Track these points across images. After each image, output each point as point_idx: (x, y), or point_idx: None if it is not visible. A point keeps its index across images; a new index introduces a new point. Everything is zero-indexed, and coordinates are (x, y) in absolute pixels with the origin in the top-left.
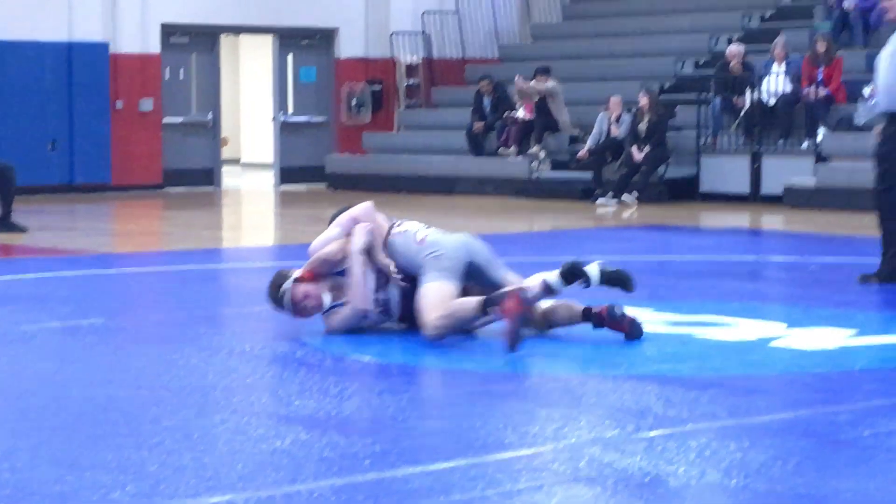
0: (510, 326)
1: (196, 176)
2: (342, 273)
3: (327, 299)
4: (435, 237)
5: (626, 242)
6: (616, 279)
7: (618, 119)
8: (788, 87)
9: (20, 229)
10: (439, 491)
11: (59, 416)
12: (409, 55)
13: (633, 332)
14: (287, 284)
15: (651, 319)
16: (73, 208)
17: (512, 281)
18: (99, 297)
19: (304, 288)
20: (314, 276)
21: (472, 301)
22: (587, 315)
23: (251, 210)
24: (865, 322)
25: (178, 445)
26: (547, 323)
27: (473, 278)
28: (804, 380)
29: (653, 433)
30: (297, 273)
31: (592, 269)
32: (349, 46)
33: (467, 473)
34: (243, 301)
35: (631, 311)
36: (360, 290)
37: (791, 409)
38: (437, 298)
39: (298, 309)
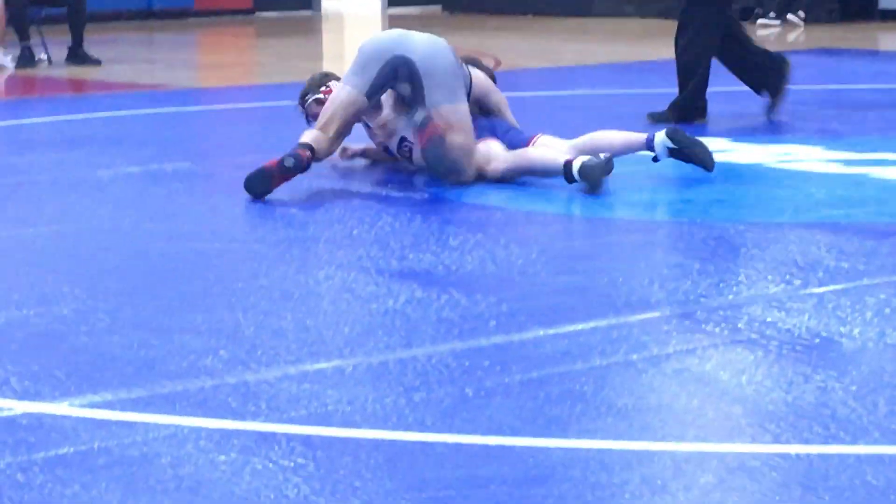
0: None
1: None
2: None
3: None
4: None
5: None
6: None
7: None
8: None
9: (93, 62)
10: (575, 355)
11: (142, 273)
12: None
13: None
14: (311, 97)
15: (821, 158)
16: (151, 37)
17: (437, 118)
18: (183, 139)
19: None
20: None
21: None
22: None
23: (355, 37)
24: None
25: (277, 306)
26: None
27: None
28: None
29: (823, 289)
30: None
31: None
32: None
33: (608, 335)
34: (349, 140)
35: (800, 149)
36: None
37: None
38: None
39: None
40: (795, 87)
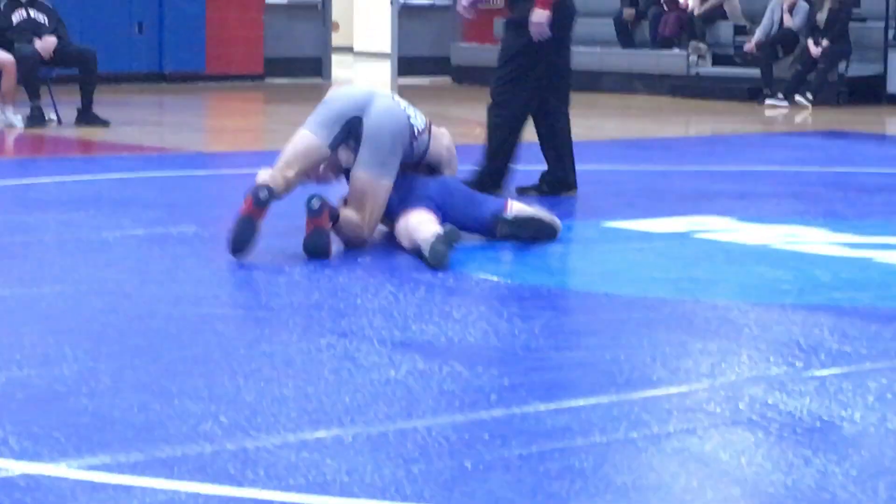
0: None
1: (302, 66)
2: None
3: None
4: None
5: (798, 151)
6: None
7: (792, 7)
8: None
9: (102, 123)
10: (576, 431)
11: (144, 336)
12: None
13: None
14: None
15: (826, 240)
16: (161, 100)
17: (355, 179)
18: (189, 202)
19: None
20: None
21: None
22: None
23: None
24: None
25: (278, 373)
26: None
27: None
28: None
29: (825, 372)
30: None
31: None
32: None
33: (609, 412)
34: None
35: (805, 230)
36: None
37: None
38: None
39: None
40: (802, 168)
